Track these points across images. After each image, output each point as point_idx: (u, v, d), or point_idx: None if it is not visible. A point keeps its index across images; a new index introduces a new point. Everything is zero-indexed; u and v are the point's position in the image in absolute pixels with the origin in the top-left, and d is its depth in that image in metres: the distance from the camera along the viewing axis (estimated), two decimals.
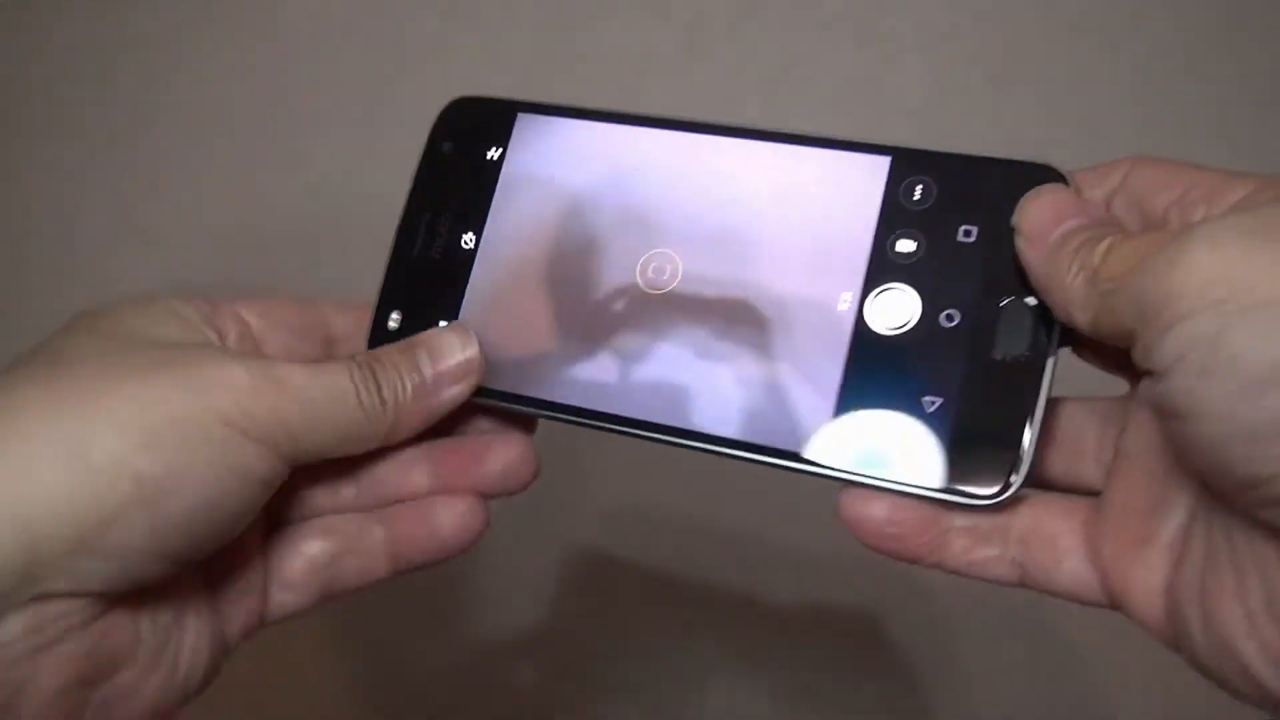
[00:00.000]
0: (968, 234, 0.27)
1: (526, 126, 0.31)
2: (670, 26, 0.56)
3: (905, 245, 0.27)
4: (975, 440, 0.25)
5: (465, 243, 0.30)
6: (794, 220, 0.28)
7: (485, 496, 0.30)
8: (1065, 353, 0.26)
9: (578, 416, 0.28)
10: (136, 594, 0.25)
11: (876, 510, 0.25)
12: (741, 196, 0.28)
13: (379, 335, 0.31)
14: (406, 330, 0.30)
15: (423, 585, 0.51)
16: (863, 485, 0.26)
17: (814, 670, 0.54)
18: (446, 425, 0.29)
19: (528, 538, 0.54)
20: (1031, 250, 0.24)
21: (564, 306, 0.29)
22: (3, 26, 0.62)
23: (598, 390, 0.28)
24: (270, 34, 0.59)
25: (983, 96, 0.54)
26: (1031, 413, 0.25)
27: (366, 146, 0.58)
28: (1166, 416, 0.20)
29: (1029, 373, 0.25)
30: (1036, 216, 0.25)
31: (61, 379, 0.25)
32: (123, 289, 0.59)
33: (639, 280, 0.29)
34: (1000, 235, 0.26)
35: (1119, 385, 0.27)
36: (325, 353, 0.31)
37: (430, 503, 0.29)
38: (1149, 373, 0.20)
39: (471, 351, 0.29)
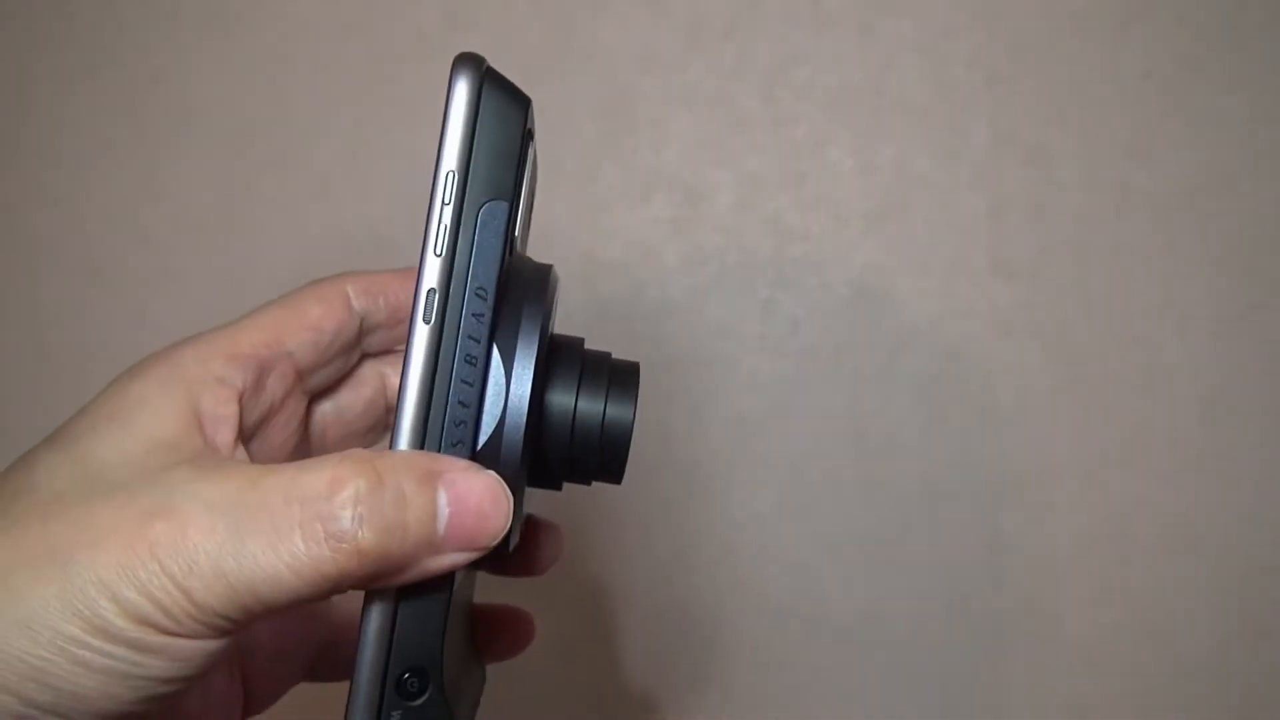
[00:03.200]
0: None
1: None
2: (669, 26, 0.56)
3: None
4: None
5: None
6: None
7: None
8: None
9: None
10: None
11: None
12: None
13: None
14: None
15: None
16: None
17: None
18: None
19: None
20: None
21: None
22: (3, 27, 0.62)
23: None
24: (269, 33, 0.59)
25: (983, 96, 0.54)
26: None
27: (366, 146, 0.58)
28: None
29: None
30: None
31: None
32: (122, 289, 0.59)
33: None
34: None
35: None
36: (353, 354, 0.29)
37: None
38: None
39: (506, 509, 0.24)
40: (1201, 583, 0.52)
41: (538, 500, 0.34)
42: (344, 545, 0.21)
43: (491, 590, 0.35)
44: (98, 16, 0.61)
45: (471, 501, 0.23)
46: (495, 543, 0.24)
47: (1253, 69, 0.52)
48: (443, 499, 0.23)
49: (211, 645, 0.22)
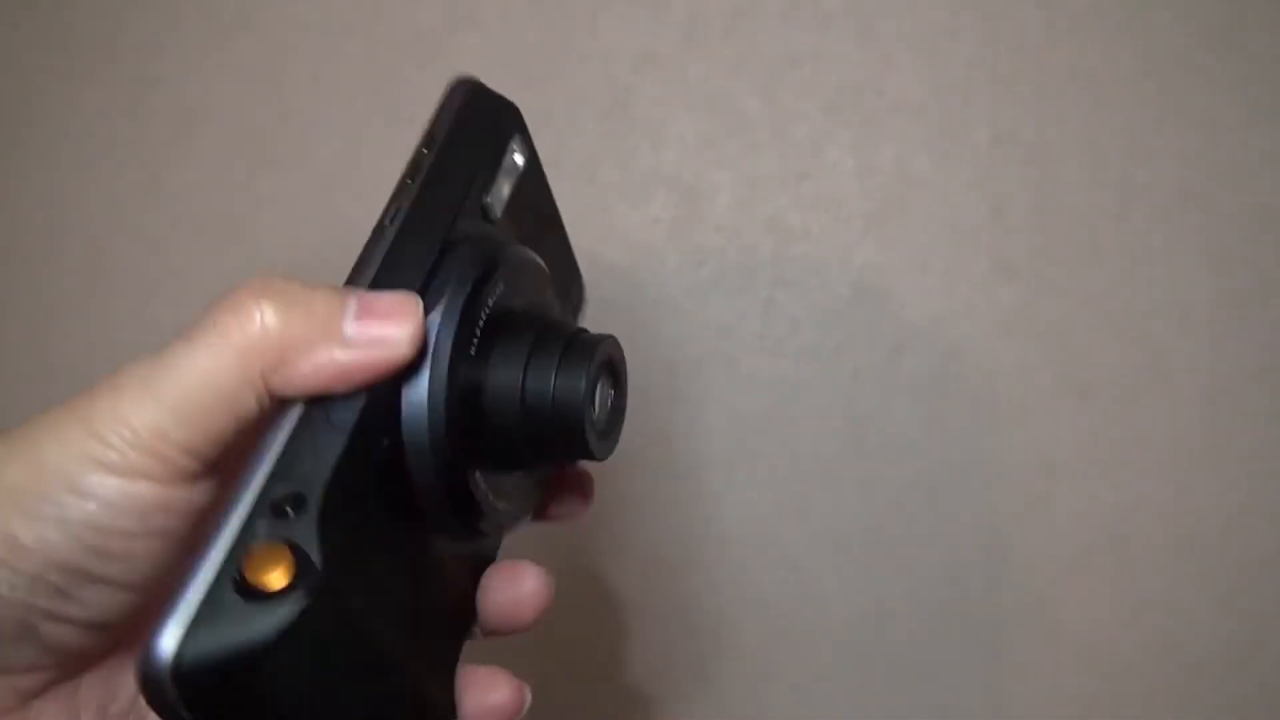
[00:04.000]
0: None
1: None
2: (669, 25, 0.56)
3: None
4: None
5: None
6: None
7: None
8: None
9: None
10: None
11: None
12: None
13: None
14: None
15: None
16: None
17: None
18: None
19: None
20: None
21: None
22: (3, 27, 0.62)
23: None
24: (269, 33, 0.59)
25: (983, 96, 0.54)
26: None
27: (366, 146, 0.58)
28: None
29: None
30: None
31: None
32: (120, 289, 0.59)
33: None
34: None
35: None
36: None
37: None
38: None
39: (415, 312, 0.25)
40: (1201, 582, 0.52)
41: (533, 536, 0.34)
42: (251, 322, 0.23)
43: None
44: (98, 17, 0.61)
45: (379, 303, 0.24)
46: (404, 350, 0.24)
47: (1253, 69, 0.52)
48: (351, 298, 0.24)
49: (158, 491, 0.23)
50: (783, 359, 0.54)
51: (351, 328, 0.24)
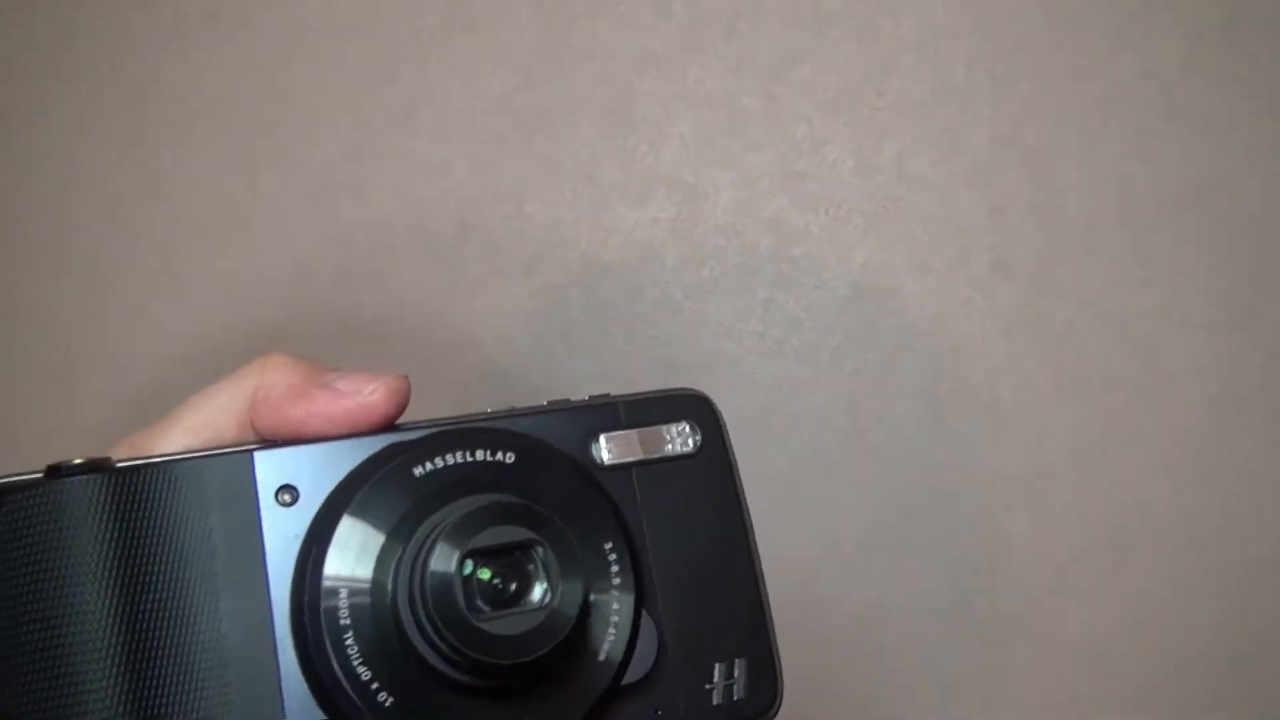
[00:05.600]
0: None
1: None
2: (670, 26, 0.56)
3: None
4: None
5: None
6: None
7: None
8: None
9: None
10: None
11: None
12: None
13: None
14: None
15: None
16: None
17: None
18: None
19: None
20: None
21: None
22: (3, 27, 0.62)
23: None
24: (269, 33, 0.59)
25: (983, 96, 0.54)
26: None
27: (366, 146, 0.58)
28: None
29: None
30: None
31: None
32: (122, 289, 0.59)
33: None
34: None
35: None
36: None
37: None
38: None
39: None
40: (1201, 582, 0.52)
41: None
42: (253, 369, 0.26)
43: None
44: (98, 16, 0.61)
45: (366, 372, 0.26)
46: (377, 399, 0.25)
47: (1253, 69, 0.52)
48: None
49: None
50: (783, 359, 0.54)
51: (334, 379, 0.26)
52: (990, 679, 0.53)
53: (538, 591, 0.23)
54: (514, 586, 0.23)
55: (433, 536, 0.22)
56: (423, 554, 0.22)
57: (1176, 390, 0.52)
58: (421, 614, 0.22)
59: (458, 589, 0.22)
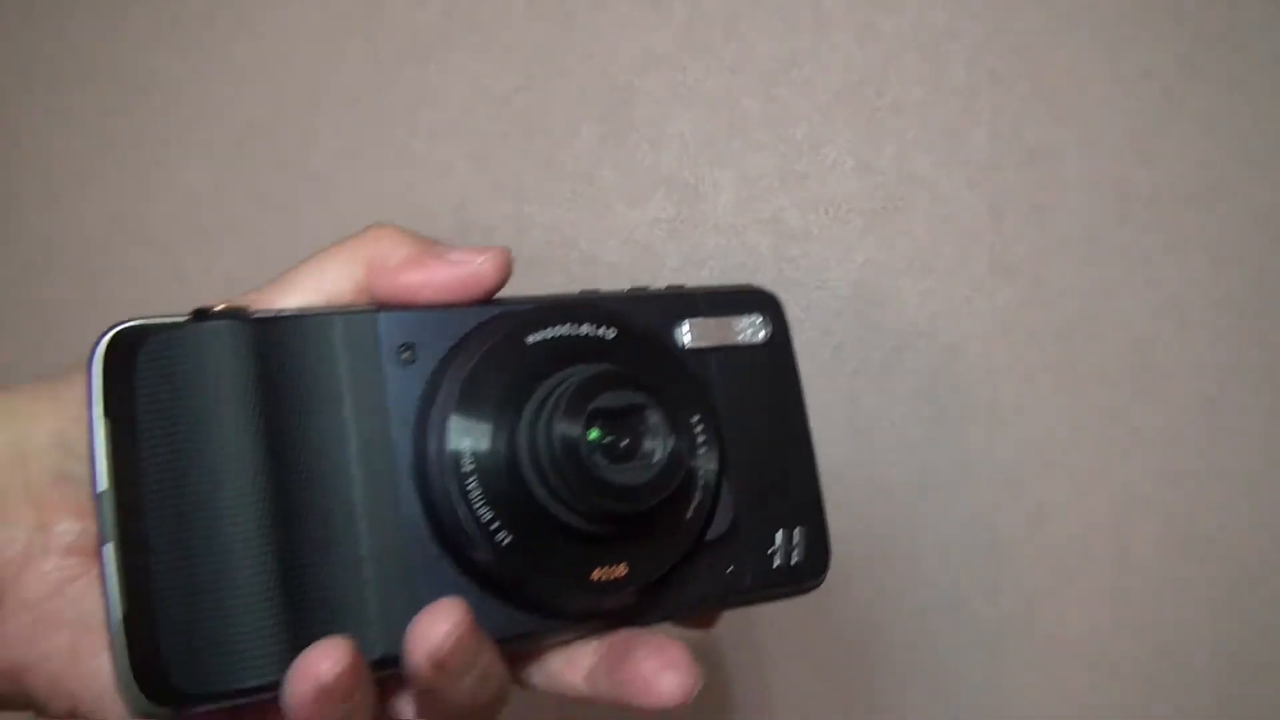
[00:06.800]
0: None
1: None
2: (669, 25, 0.56)
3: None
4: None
5: None
6: None
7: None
8: None
9: None
10: None
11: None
12: None
13: None
14: None
15: None
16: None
17: None
18: None
19: None
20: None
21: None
22: (3, 27, 0.62)
23: None
24: (269, 33, 0.59)
25: (983, 96, 0.54)
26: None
27: (366, 146, 0.58)
28: None
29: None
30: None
31: None
32: (122, 289, 0.59)
33: None
34: None
35: None
36: None
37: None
38: None
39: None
40: (1201, 582, 0.52)
41: None
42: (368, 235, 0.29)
43: None
44: (98, 17, 0.61)
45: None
46: (488, 268, 0.27)
47: (1253, 69, 0.52)
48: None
49: None
50: None
51: (445, 251, 0.27)
52: (990, 679, 0.53)
53: (651, 448, 0.25)
54: (625, 443, 0.25)
55: (555, 395, 0.25)
56: (546, 411, 0.25)
57: (1176, 390, 0.52)
58: (547, 464, 0.24)
59: (582, 444, 0.24)
